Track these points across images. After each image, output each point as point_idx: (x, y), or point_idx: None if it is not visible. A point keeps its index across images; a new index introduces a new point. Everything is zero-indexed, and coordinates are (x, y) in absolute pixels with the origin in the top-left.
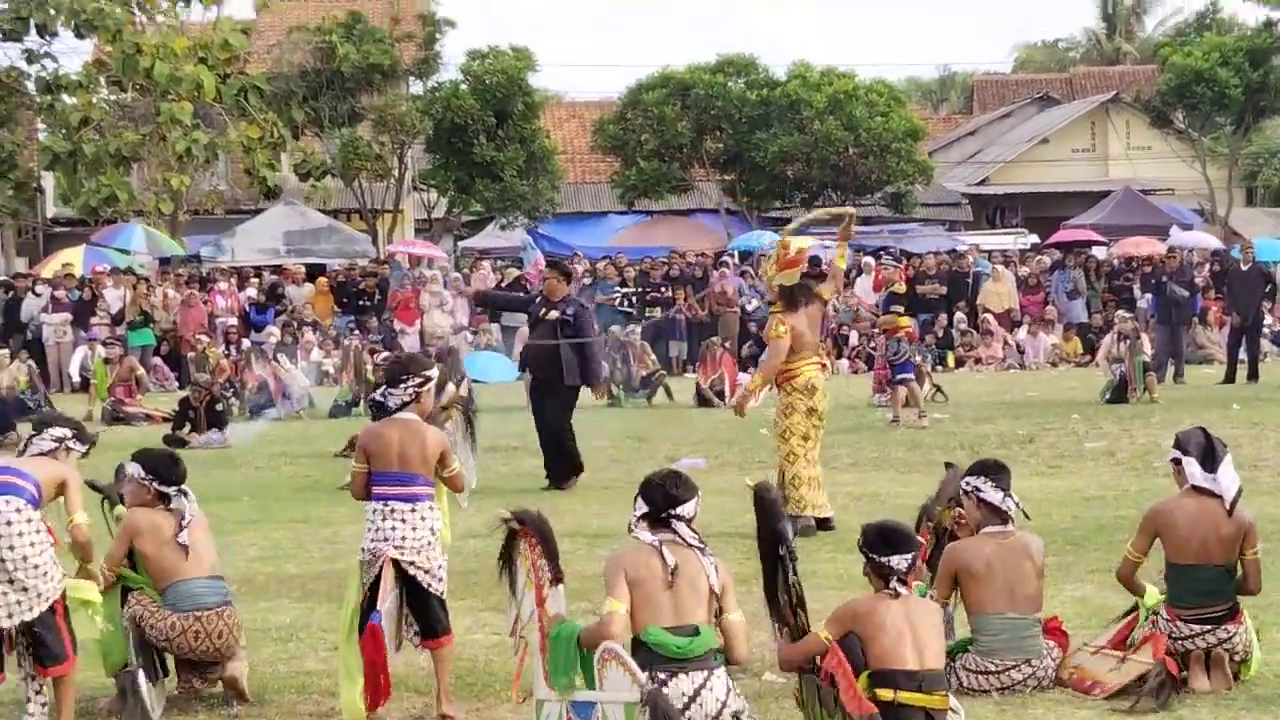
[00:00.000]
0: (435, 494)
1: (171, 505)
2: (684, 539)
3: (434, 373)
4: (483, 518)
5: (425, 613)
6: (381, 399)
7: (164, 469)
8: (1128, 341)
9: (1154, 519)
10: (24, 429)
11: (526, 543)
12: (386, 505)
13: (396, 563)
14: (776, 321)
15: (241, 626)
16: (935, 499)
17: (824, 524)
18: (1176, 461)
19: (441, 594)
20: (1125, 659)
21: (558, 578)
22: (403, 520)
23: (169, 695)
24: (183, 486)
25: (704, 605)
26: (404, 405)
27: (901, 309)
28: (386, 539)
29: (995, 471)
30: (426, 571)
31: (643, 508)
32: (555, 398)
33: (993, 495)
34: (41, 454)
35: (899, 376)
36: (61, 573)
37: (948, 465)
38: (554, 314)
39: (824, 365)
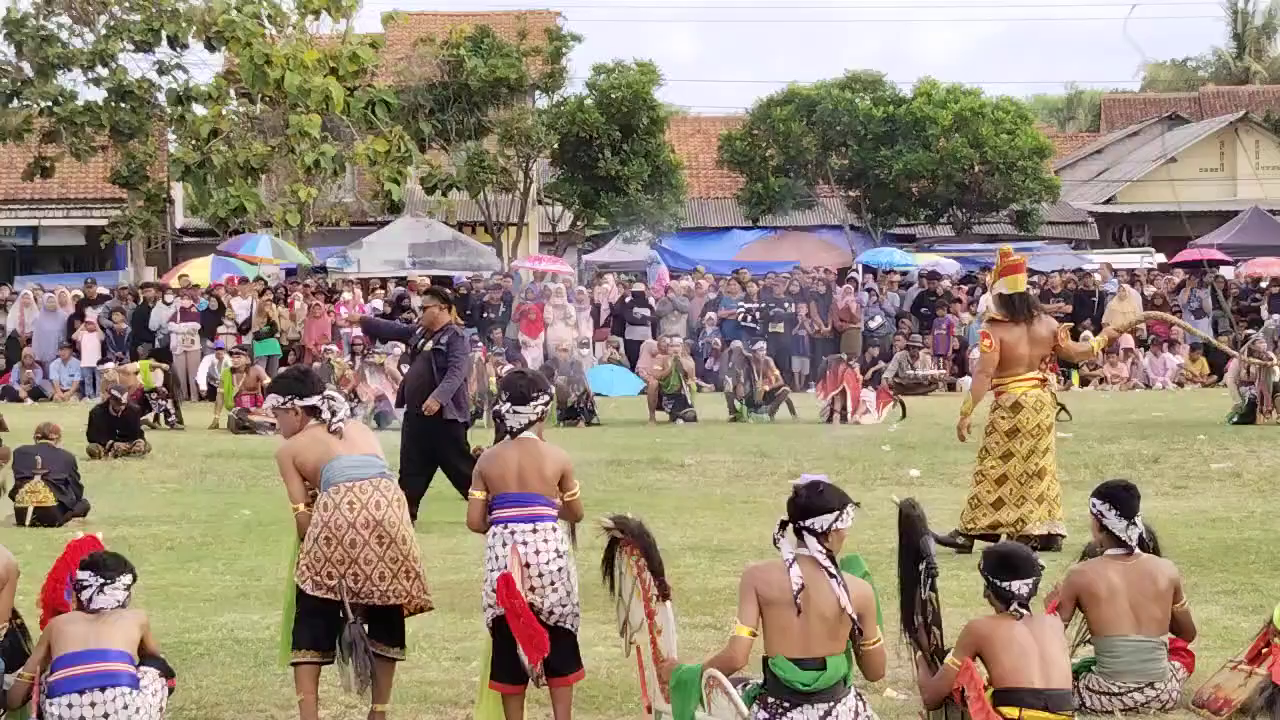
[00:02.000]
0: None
1: (322, 416)
2: (814, 556)
3: (552, 390)
4: (598, 528)
5: (555, 650)
6: (508, 410)
7: (296, 384)
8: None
9: None
10: (151, 437)
11: (628, 552)
12: (506, 528)
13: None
14: (982, 334)
15: (409, 519)
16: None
17: (1047, 542)
18: None
19: (574, 628)
20: (1252, 673)
21: (665, 594)
22: (524, 543)
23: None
24: (327, 393)
25: (833, 634)
26: (529, 425)
27: None
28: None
29: (1122, 497)
30: (554, 609)
31: (783, 515)
32: (442, 436)
33: (1116, 524)
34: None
35: None
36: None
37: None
38: (429, 345)
39: (1043, 380)
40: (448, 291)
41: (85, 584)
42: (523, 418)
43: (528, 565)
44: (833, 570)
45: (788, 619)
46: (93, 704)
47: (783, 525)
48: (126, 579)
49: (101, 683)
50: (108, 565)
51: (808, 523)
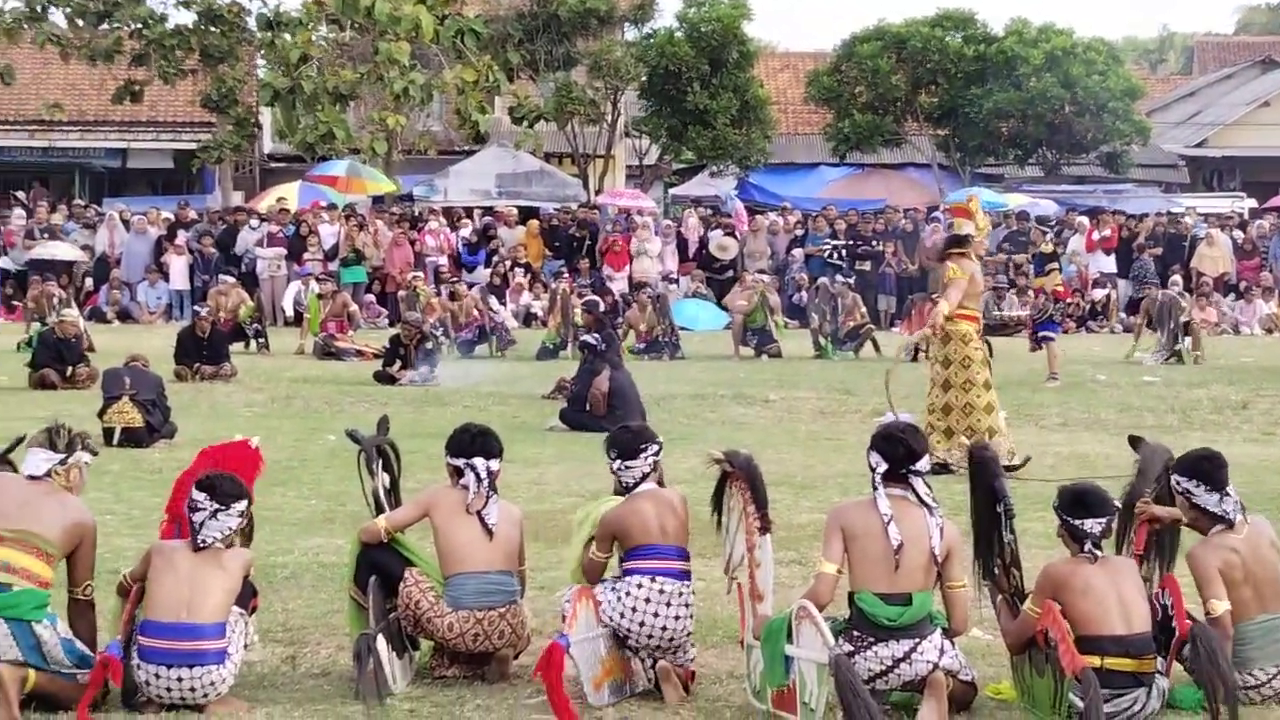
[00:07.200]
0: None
1: (462, 481)
2: (918, 495)
3: (660, 440)
4: (689, 463)
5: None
6: (620, 468)
7: (453, 439)
8: None
9: None
10: (238, 361)
11: (737, 486)
12: (654, 581)
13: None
14: (955, 266)
15: (527, 620)
16: (1140, 479)
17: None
18: None
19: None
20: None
21: (766, 526)
22: (668, 604)
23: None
24: (476, 461)
25: (923, 570)
26: (645, 477)
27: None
28: (652, 627)
29: (1208, 469)
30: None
31: (880, 463)
32: None
33: (1207, 499)
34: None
35: (1040, 334)
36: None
37: (1135, 442)
38: None
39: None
40: None
41: (198, 506)
42: (635, 472)
43: (664, 629)
44: (933, 505)
45: (875, 554)
46: (179, 679)
47: (884, 475)
48: (241, 505)
49: (190, 661)
50: (223, 490)
51: (917, 465)
